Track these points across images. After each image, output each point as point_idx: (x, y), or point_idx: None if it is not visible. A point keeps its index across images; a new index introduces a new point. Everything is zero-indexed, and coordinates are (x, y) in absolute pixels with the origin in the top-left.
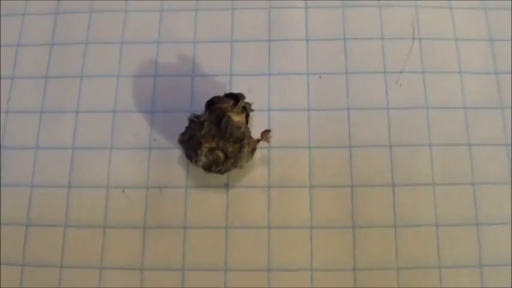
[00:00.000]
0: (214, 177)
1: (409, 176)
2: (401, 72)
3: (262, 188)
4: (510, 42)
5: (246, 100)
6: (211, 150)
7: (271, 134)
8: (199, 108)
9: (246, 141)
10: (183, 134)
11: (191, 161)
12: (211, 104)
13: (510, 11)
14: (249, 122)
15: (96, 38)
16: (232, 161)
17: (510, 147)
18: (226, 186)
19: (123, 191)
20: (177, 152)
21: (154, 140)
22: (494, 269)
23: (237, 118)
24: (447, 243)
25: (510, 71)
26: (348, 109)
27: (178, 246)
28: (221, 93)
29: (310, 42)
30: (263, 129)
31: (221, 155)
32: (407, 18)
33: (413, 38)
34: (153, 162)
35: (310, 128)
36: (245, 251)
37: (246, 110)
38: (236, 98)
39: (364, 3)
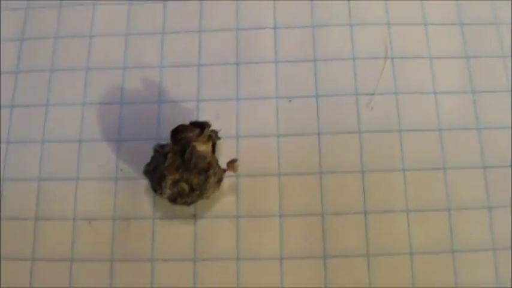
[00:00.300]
0: (182, 209)
1: (382, 203)
2: (373, 94)
3: (231, 218)
4: (487, 58)
5: (213, 127)
6: (176, 182)
7: (238, 162)
8: (166, 135)
9: (211, 171)
10: (148, 164)
11: (156, 193)
12: (176, 133)
13: (487, 26)
14: (216, 150)
15: (61, 64)
16: (198, 192)
17: (486, 170)
18: (194, 217)
19: (90, 223)
20: (144, 183)
21: (121, 170)
22: None
23: (203, 147)
24: (422, 272)
25: (487, 89)
26: (319, 134)
27: (146, 279)
28: (188, 120)
29: (279, 64)
30: (231, 157)
31: (186, 187)
32: (379, 36)
33: (386, 58)
34: (120, 193)
35: (279, 155)
36: (214, 283)
37: (212, 138)
38: (202, 126)
39: (335, 22)
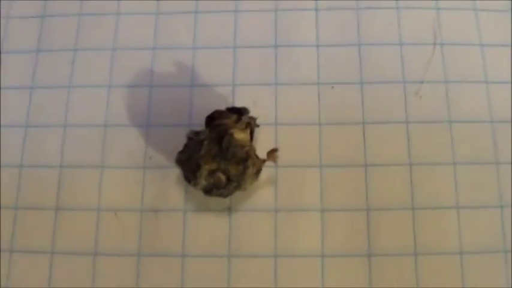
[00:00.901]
0: (216, 201)
1: (431, 199)
2: (422, 82)
3: (268, 212)
4: None
5: (251, 114)
6: (212, 172)
7: (278, 153)
8: (199, 122)
9: (250, 161)
10: (180, 152)
11: (190, 183)
12: (212, 119)
13: None
14: (254, 139)
15: (85, 43)
16: (235, 184)
17: None
18: (229, 210)
19: (116, 214)
20: (175, 172)
21: (150, 157)
22: None
23: (241, 135)
24: (473, 272)
25: None
26: (363, 123)
27: (176, 276)
28: (223, 106)
29: (321, 48)
30: (270, 147)
31: (223, 177)
32: (428, 21)
33: (435, 44)
34: (149, 183)
35: (321, 145)
36: (249, 282)
37: (251, 126)
38: (239, 112)
39: (381, 4)
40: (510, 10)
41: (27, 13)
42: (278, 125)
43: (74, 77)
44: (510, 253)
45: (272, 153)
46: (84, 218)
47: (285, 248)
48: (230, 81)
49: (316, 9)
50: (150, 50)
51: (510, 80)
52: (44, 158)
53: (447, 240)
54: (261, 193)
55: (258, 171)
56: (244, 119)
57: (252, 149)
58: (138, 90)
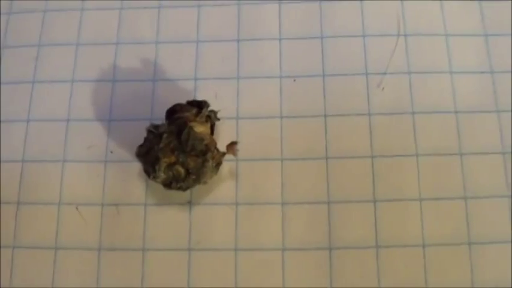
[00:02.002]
0: (176, 194)
1: (393, 191)
2: (385, 73)
3: (229, 206)
4: (507, 36)
5: (212, 108)
6: (171, 165)
7: (238, 146)
8: (161, 116)
9: (209, 155)
10: (140, 146)
11: (149, 176)
12: (172, 112)
13: (506, 1)
14: (215, 132)
15: (49, 39)
16: (194, 177)
17: (507, 155)
18: (190, 203)
19: (77, 209)
20: (137, 166)
21: (111, 152)
22: None
23: (201, 128)
24: (435, 265)
25: (508, 69)
26: (325, 116)
27: (136, 270)
28: (185, 100)
29: (283, 41)
30: (230, 140)
31: (182, 170)
32: (391, 12)
33: (398, 35)
34: (110, 177)
35: (282, 138)
36: (210, 275)
37: (211, 119)
38: (200, 106)
39: None
40: None
41: None
42: (240, 118)
43: (38, 73)
44: (473, 245)
45: (231, 146)
46: (45, 212)
47: (245, 242)
48: (193, 75)
49: (280, 2)
50: (113, 44)
51: (475, 69)
52: (7, 152)
53: (409, 233)
54: (222, 187)
55: (218, 165)
56: (205, 112)
57: (212, 142)
58: (101, 84)
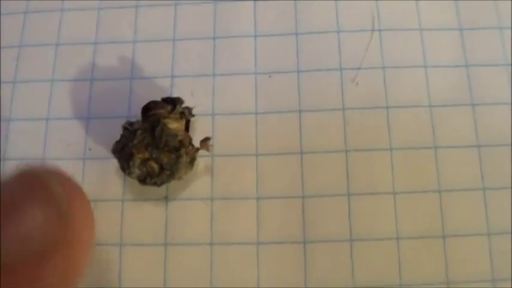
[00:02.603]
0: (153, 190)
1: (367, 184)
2: (359, 68)
3: (204, 201)
4: (482, 30)
5: (188, 104)
6: (145, 161)
7: (213, 141)
8: (138, 114)
9: (183, 150)
10: (116, 142)
11: (125, 172)
12: (147, 109)
13: None
14: (190, 129)
15: (30, 40)
16: (168, 172)
17: (482, 148)
18: (166, 199)
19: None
20: (114, 162)
21: (89, 149)
22: (465, 286)
23: (175, 125)
24: (409, 258)
25: (482, 63)
26: (300, 111)
27: (114, 264)
28: (161, 97)
29: (258, 38)
30: (206, 136)
31: (155, 166)
32: (366, 7)
33: (373, 30)
34: (88, 174)
35: (257, 134)
36: (186, 269)
37: (185, 115)
38: (174, 102)
39: None
40: None
41: None
42: (215, 114)
43: (18, 73)
44: (447, 238)
45: (205, 141)
46: None
47: (221, 236)
48: (169, 73)
49: (255, 1)
50: (91, 44)
51: (450, 63)
52: None
53: (383, 226)
54: (198, 182)
55: (192, 160)
56: (178, 108)
57: (186, 138)
58: (79, 84)
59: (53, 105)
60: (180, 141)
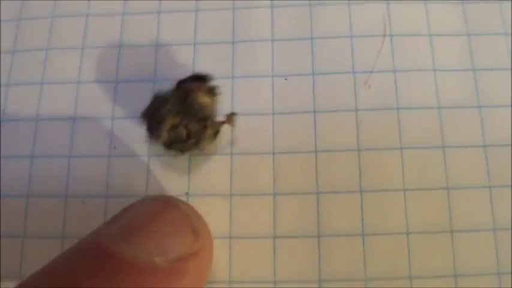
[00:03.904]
0: (174, 186)
1: (378, 182)
2: (371, 72)
3: (224, 197)
4: (489, 36)
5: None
6: (175, 126)
7: (236, 116)
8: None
9: (209, 122)
10: (147, 107)
11: (152, 136)
12: (181, 82)
13: (489, 2)
14: (217, 106)
15: (56, 44)
16: (194, 140)
17: (488, 148)
18: (187, 194)
19: (83, 202)
20: (138, 161)
21: (114, 147)
22: (472, 279)
23: (204, 98)
24: (419, 252)
25: (488, 67)
26: (315, 112)
27: None
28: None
29: (275, 43)
30: (227, 137)
31: (183, 132)
32: (378, 14)
33: (384, 35)
34: (113, 171)
35: (274, 133)
36: None
37: (214, 92)
38: (204, 78)
39: (332, 0)
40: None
41: (5, 18)
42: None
43: (46, 75)
44: (455, 233)
45: (230, 116)
46: (52, 205)
47: (239, 230)
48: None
49: (272, 7)
50: (116, 48)
51: (458, 67)
52: (16, 149)
53: (394, 221)
54: (218, 179)
55: (216, 133)
56: (208, 84)
57: (214, 112)
58: (104, 85)
59: (79, 106)
60: (208, 113)
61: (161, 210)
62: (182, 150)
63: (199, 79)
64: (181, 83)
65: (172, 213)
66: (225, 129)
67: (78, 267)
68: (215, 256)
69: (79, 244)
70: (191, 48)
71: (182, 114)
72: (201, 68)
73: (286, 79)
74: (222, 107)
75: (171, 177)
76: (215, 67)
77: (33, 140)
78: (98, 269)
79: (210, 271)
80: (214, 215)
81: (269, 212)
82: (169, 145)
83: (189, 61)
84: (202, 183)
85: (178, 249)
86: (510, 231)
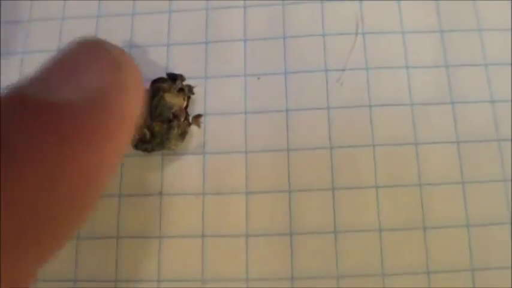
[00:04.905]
0: (148, 185)
1: (351, 179)
2: (343, 69)
3: (196, 195)
4: (462, 32)
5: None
6: (140, 128)
7: (202, 118)
8: None
9: (175, 122)
10: None
11: None
12: (154, 82)
13: None
14: (190, 107)
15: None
16: (158, 140)
17: (460, 144)
18: (160, 194)
19: None
20: None
21: None
22: (442, 275)
23: (174, 99)
24: (391, 248)
25: (462, 63)
26: (287, 111)
27: (111, 257)
28: (166, 72)
29: (248, 42)
30: (200, 136)
31: (147, 133)
32: (351, 12)
33: (357, 33)
34: None
35: (247, 132)
36: (179, 260)
37: (185, 92)
38: (175, 78)
39: (305, 0)
40: None
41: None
42: (207, 114)
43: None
44: (428, 229)
45: (197, 118)
46: None
47: (212, 229)
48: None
49: (245, 7)
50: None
51: (430, 64)
52: None
53: (366, 218)
54: (190, 178)
55: (183, 134)
56: (178, 84)
57: (182, 113)
58: None
59: None
60: (173, 114)
61: (77, 47)
62: (148, 150)
63: (171, 79)
64: (154, 82)
65: (88, 45)
66: (197, 129)
67: None
68: (188, 255)
69: None
70: (165, 48)
71: (148, 114)
72: (175, 68)
73: (258, 78)
74: (195, 107)
75: (144, 177)
76: (189, 67)
77: None
78: (8, 116)
79: (139, 107)
80: (187, 214)
81: (242, 211)
82: (136, 145)
83: (163, 61)
84: (175, 183)
85: (96, 83)
86: (483, 227)
